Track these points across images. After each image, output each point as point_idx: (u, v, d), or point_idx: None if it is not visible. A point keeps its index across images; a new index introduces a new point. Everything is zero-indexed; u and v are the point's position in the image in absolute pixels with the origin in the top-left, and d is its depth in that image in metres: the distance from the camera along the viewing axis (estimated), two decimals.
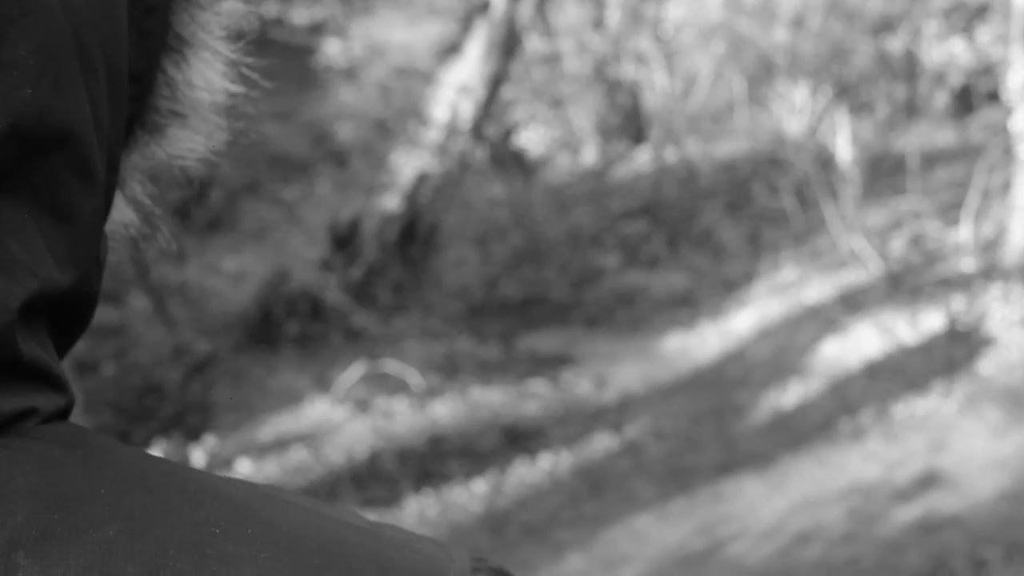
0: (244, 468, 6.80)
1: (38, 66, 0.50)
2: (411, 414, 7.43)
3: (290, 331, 8.23)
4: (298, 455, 7.00)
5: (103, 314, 8.16)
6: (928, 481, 6.70)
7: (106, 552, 0.48)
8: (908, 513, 6.33)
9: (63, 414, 0.54)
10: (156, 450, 6.51)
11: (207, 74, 0.61)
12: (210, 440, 6.89)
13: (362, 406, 7.50)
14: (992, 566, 5.78)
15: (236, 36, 0.63)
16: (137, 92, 0.58)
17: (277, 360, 8.09)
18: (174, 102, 0.61)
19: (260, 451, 7.04)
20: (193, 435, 6.98)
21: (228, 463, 6.82)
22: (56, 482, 0.49)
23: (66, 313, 0.55)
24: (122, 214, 0.62)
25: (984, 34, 11.74)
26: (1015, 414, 7.44)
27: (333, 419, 7.37)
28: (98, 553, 0.48)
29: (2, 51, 0.49)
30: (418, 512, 6.47)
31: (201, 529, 0.51)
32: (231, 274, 9.53)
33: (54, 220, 0.52)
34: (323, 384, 7.77)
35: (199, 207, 10.35)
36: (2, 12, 0.49)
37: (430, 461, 6.92)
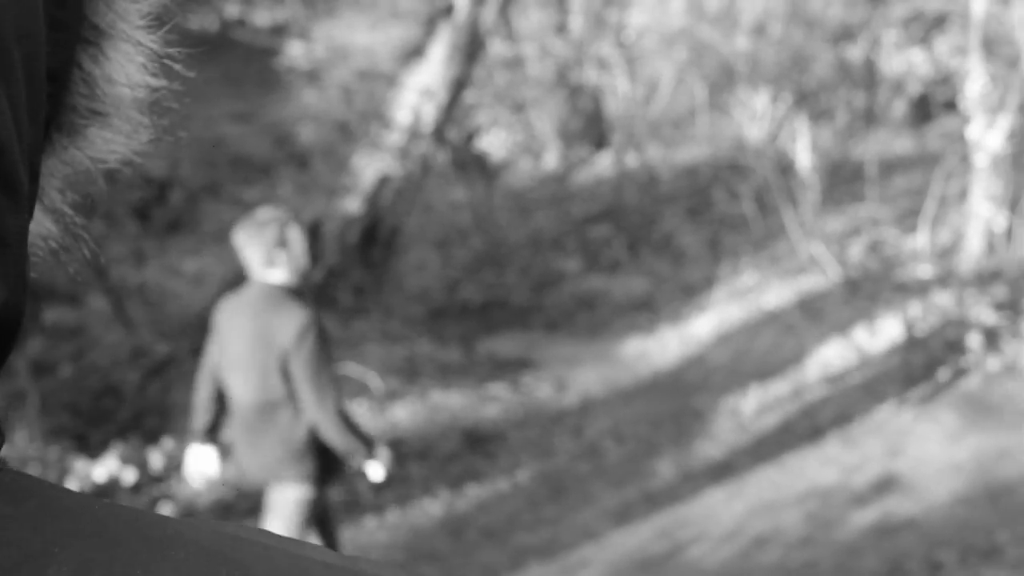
0: None
1: None
2: (371, 417, 7.41)
3: None
4: None
5: (61, 315, 8.09)
6: (885, 485, 6.75)
7: None
8: (865, 517, 6.37)
9: None
10: (113, 453, 6.46)
11: (128, 68, 0.56)
12: (168, 443, 6.83)
13: None
14: (947, 569, 5.82)
15: (157, 25, 0.57)
16: (52, 91, 0.53)
17: None
18: (93, 100, 0.55)
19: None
20: (151, 438, 6.92)
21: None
22: (8, 542, 0.45)
23: None
24: (41, 226, 0.57)
25: (942, 44, 11.85)
26: (970, 419, 7.50)
27: None
28: None
29: None
30: (377, 515, 6.46)
31: None
32: (191, 275, 9.47)
33: None
34: None
35: (159, 208, 10.28)
36: None
37: (390, 464, 6.91)
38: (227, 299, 4.62)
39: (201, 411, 4.65)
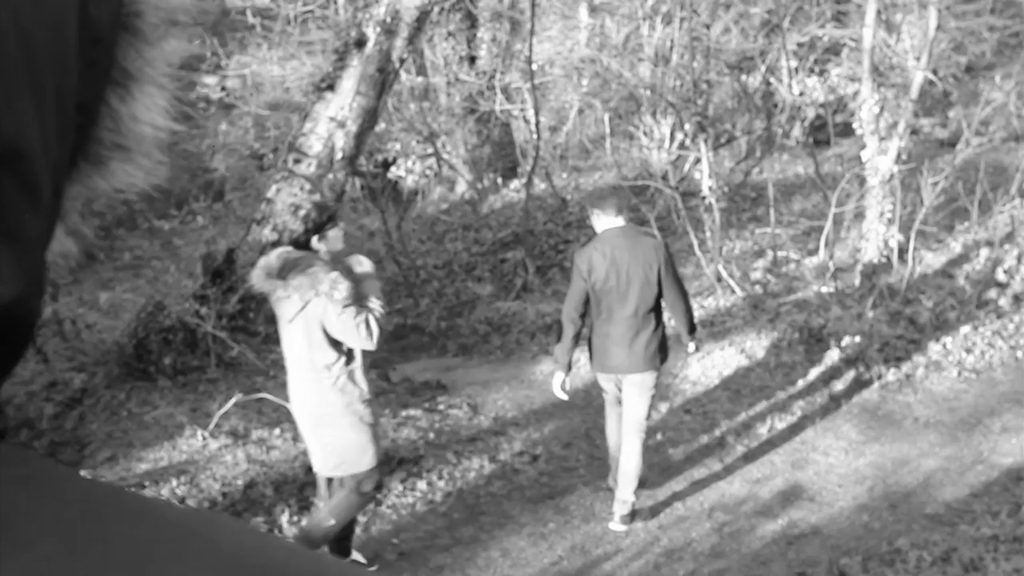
0: None
1: None
2: (287, 443, 7.38)
3: (166, 363, 8.10)
4: (174, 487, 6.90)
5: None
6: (790, 496, 6.83)
7: (43, 569, 0.47)
8: (772, 527, 6.43)
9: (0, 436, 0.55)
10: None
11: (151, 109, 0.59)
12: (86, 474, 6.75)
13: (238, 436, 7.41)
14: (851, 575, 5.96)
15: (179, 74, 0.61)
16: (82, 122, 0.57)
17: (153, 393, 7.96)
18: (118, 135, 0.59)
19: (136, 485, 6.90)
20: None
21: None
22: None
23: (3, 335, 0.53)
24: (62, 244, 0.59)
25: (836, 71, 12.17)
26: (870, 430, 7.68)
27: (209, 450, 7.28)
28: (34, 570, 0.47)
29: None
30: (296, 539, 6.44)
31: (141, 548, 0.50)
32: (107, 307, 9.36)
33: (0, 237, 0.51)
34: (200, 416, 7.66)
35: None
36: None
37: (306, 488, 6.89)
38: (587, 248, 6.30)
39: (569, 349, 6.41)
